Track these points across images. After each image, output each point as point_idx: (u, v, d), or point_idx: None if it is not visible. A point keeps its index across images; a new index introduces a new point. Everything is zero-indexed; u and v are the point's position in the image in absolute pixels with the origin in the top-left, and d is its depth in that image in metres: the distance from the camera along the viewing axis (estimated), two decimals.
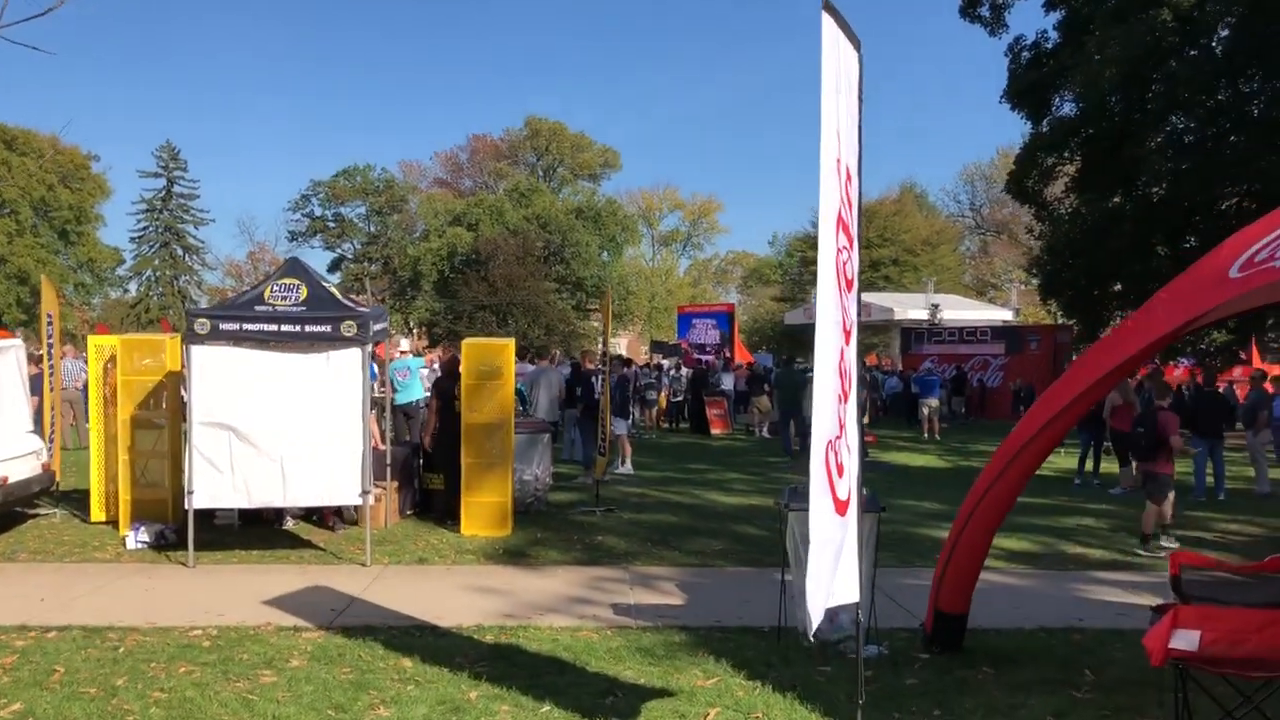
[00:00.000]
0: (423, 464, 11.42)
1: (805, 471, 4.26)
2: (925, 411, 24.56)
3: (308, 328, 8.95)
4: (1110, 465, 15.83)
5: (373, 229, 71.96)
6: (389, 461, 10.52)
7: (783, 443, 19.38)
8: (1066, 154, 26.01)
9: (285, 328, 8.95)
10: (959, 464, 18.51)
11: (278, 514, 10.54)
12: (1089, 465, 15.84)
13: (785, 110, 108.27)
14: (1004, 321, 48.40)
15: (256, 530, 10.36)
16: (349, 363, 9.07)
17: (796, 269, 75.66)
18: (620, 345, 64.30)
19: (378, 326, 9.48)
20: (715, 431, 23.77)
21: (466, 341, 10.47)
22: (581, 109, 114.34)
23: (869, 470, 17.77)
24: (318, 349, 9.14)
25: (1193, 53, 22.93)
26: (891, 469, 17.73)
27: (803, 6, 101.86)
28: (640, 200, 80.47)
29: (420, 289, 63.12)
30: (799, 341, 58.83)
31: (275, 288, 9.22)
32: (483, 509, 10.27)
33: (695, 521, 11.18)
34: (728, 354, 37.40)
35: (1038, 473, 16.67)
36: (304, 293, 9.19)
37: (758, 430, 23.75)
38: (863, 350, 31.18)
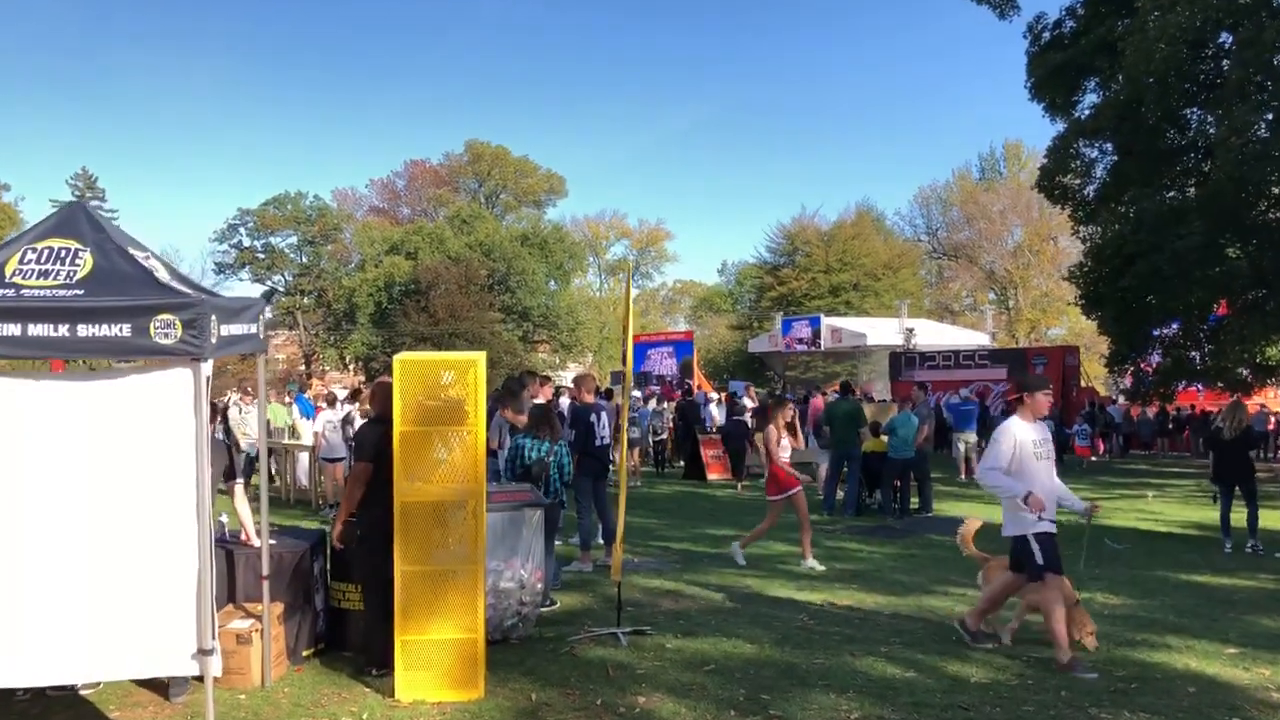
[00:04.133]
0: (330, 568, 6.92)
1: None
2: (962, 448, 20.44)
3: (83, 328, 4.50)
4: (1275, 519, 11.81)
5: (305, 260, 67.39)
6: (266, 571, 6.03)
7: (825, 496, 15.04)
8: (1112, 143, 22.25)
9: (37, 329, 4.50)
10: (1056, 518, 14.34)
11: None
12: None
13: (732, 141, 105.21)
14: (981, 346, 45.15)
15: (24, 705, 5.78)
16: (169, 396, 4.66)
17: (751, 296, 72.84)
18: (566, 378, 60.37)
19: (235, 328, 5.06)
20: (713, 476, 19.45)
21: (402, 358, 6.01)
22: (522, 139, 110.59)
23: (932, 531, 13.75)
24: (107, 372, 4.74)
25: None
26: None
27: (750, 41, 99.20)
28: (586, 229, 77.09)
29: (356, 322, 58.90)
30: (759, 370, 55.26)
31: (31, 255, 4.78)
32: (432, 653, 5.81)
33: (784, 650, 6.80)
34: (690, 383, 33.89)
35: (1160, 532, 12.58)
36: (87, 264, 4.76)
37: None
38: (827, 378, 26.94)
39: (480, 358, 5.95)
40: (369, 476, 6.11)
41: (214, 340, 4.65)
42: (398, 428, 5.78)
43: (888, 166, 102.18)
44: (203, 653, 4.65)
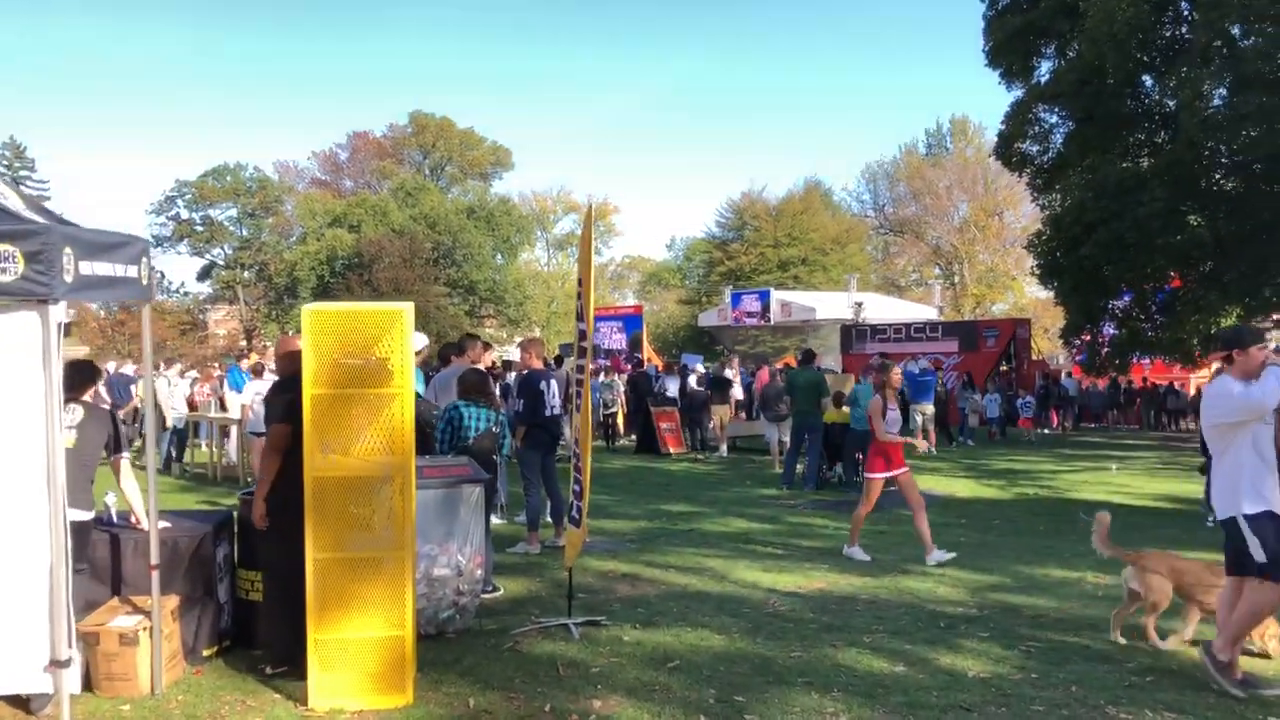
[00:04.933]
0: (237, 554, 6.04)
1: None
2: (919, 419, 19.88)
3: None
4: None
5: (245, 233, 65.57)
6: (155, 559, 5.14)
7: (785, 469, 14.40)
8: (1073, 108, 21.70)
9: None
10: (1018, 491, 13.82)
11: None
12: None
13: (680, 117, 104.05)
14: (929, 320, 44.97)
15: None
16: (8, 346, 3.77)
17: (700, 271, 72.44)
18: (513, 353, 59.33)
19: (102, 267, 4.17)
20: (668, 450, 18.71)
21: (313, 308, 5.12)
22: (469, 114, 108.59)
23: (899, 505, 13.03)
24: None
25: None
26: (935, 500, 12.95)
27: (701, 17, 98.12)
28: (534, 203, 75.86)
29: (298, 296, 57.46)
30: (709, 344, 54.82)
31: None
32: (352, 653, 4.98)
33: (757, 641, 6.05)
34: (640, 357, 33.44)
35: (1134, 505, 11.58)
36: None
37: (721, 447, 18.84)
38: (773, 353, 26.42)
39: (406, 309, 5.10)
40: (288, 441, 5.24)
41: (69, 278, 3.77)
42: (309, 390, 4.92)
43: (837, 142, 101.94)
44: (56, 664, 3.79)
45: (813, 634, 6.20)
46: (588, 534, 7.21)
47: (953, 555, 8.50)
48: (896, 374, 9.27)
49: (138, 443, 19.66)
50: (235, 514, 6.11)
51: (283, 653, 5.29)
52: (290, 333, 59.74)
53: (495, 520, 9.62)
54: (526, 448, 9.08)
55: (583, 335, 6.53)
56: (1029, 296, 60.81)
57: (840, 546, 9.34)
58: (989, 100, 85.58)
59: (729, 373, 21.06)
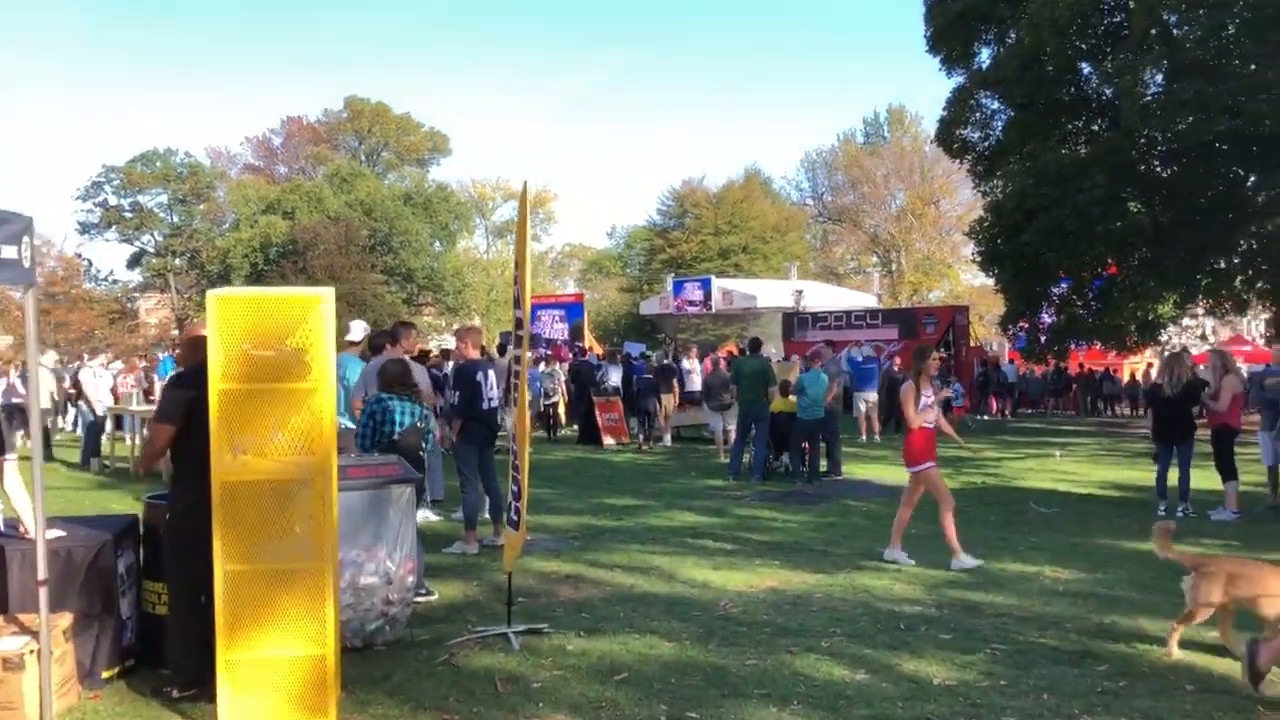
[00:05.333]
0: (142, 564, 5.52)
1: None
2: (864, 407, 19.77)
3: None
4: (1210, 480, 11.14)
5: (176, 220, 63.89)
6: (43, 574, 4.62)
7: (731, 459, 14.07)
8: (1014, 94, 21.56)
9: None
10: (965, 480, 13.61)
11: None
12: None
13: (619, 104, 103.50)
14: (869, 308, 45.19)
15: None
16: None
17: (641, 259, 72.27)
18: (452, 341, 58.47)
19: None
20: (610, 442, 18.31)
21: (221, 294, 4.61)
22: (409, 102, 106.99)
23: (847, 496, 12.87)
24: None
25: None
26: (884, 490, 12.72)
27: (634, 5, 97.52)
28: (473, 190, 74.98)
29: (231, 284, 56.03)
30: (650, 332, 54.54)
31: None
32: (268, 673, 4.52)
33: (709, 649, 5.68)
34: (581, 345, 33.11)
35: (1081, 493, 10.99)
36: None
37: (664, 435, 18.50)
38: (718, 340, 26.15)
39: (325, 295, 4.63)
40: (169, 443, 4.85)
41: None
42: (216, 385, 4.44)
43: (776, 130, 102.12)
44: None
45: (767, 638, 5.85)
46: (528, 533, 6.81)
47: (911, 562, 8.04)
48: (934, 361, 8.44)
49: (58, 436, 18.84)
50: (140, 520, 5.60)
51: (191, 673, 4.82)
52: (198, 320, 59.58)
53: (427, 515, 9.20)
54: (462, 442, 8.62)
55: (519, 324, 6.09)
56: (964, 284, 61.41)
57: (790, 541, 9.07)
58: (928, 91, 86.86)
59: (686, 363, 20.64)
